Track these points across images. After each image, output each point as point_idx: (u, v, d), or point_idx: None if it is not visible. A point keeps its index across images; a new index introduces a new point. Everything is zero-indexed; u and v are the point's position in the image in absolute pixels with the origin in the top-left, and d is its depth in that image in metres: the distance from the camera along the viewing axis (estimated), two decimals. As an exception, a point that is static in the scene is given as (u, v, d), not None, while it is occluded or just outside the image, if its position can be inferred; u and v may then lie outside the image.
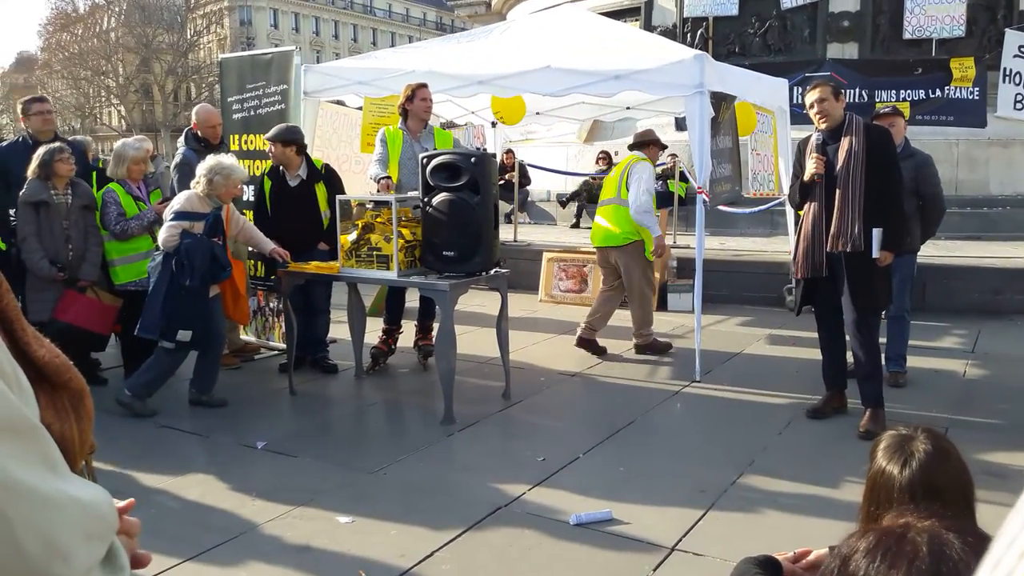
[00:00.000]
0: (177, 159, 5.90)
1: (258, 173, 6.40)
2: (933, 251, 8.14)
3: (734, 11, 11.65)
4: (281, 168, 5.74)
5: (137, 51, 42.77)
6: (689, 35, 11.96)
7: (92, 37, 42.79)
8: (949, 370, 5.73)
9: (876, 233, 4.33)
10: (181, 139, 6.13)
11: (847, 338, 4.61)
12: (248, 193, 6.39)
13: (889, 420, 4.29)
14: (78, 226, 5.26)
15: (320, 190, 5.76)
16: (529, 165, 12.24)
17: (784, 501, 3.60)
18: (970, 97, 10.37)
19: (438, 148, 5.53)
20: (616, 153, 12.41)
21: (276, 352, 6.27)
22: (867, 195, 4.31)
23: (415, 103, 5.55)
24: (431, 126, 5.84)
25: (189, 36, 45.31)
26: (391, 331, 6.00)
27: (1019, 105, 10.27)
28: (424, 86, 5.61)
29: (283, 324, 5.84)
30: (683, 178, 10.16)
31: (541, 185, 12.92)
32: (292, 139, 5.67)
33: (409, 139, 5.63)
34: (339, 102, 7.27)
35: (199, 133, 5.93)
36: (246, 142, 6.48)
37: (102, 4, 44.63)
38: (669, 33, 11.45)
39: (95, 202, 5.37)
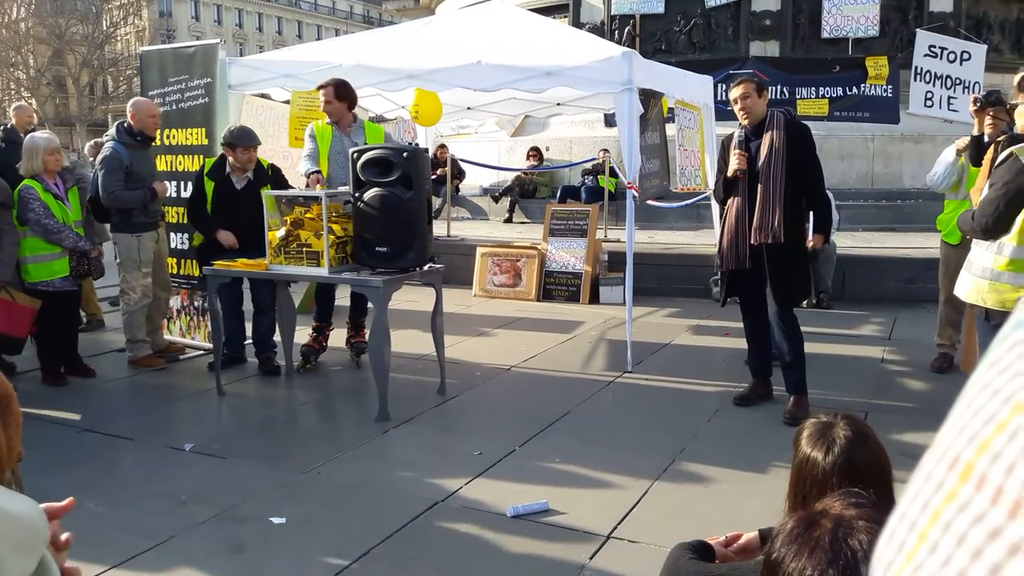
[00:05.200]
0: (104, 152, 5.64)
1: (180, 169, 6.24)
2: (851, 242, 8.46)
3: (660, 9, 11.85)
4: (228, 170, 5.56)
5: (49, 42, 40.95)
6: (617, 32, 12.11)
7: (0, 28, 40.77)
8: (868, 356, 5.96)
9: (811, 219, 4.57)
10: (111, 131, 5.83)
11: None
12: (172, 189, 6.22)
13: (812, 406, 4.45)
14: (-10, 224, 5.04)
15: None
16: (461, 160, 12.22)
17: (715, 486, 3.70)
18: (884, 94, 10.80)
19: (368, 142, 5.47)
20: (547, 148, 12.50)
21: (202, 352, 6.12)
22: (787, 189, 4.46)
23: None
24: (360, 119, 5.77)
25: (105, 27, 43.60)
26: (321, 328, 5.91)
27: (929, 103, 10.74)
28: (324, 86, 5.49)
29: (208, 323, 5.71)
30: (613, 173, 10.29)
31: (473, 180, 12.92)
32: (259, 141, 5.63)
33: (338, 133, 5.56)
34: (264, 95, 7.12)
35: (135, 126, 5.67)
36: (168, 136, 6.29)
37: (10, -8, 42.58)
38: (597, 30, 11.56)
39: (11, 199, 5.16)
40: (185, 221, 6.21)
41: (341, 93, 5.53)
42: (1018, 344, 0.31)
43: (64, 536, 1.00)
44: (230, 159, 5.52)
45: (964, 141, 5.14)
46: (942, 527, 0.29)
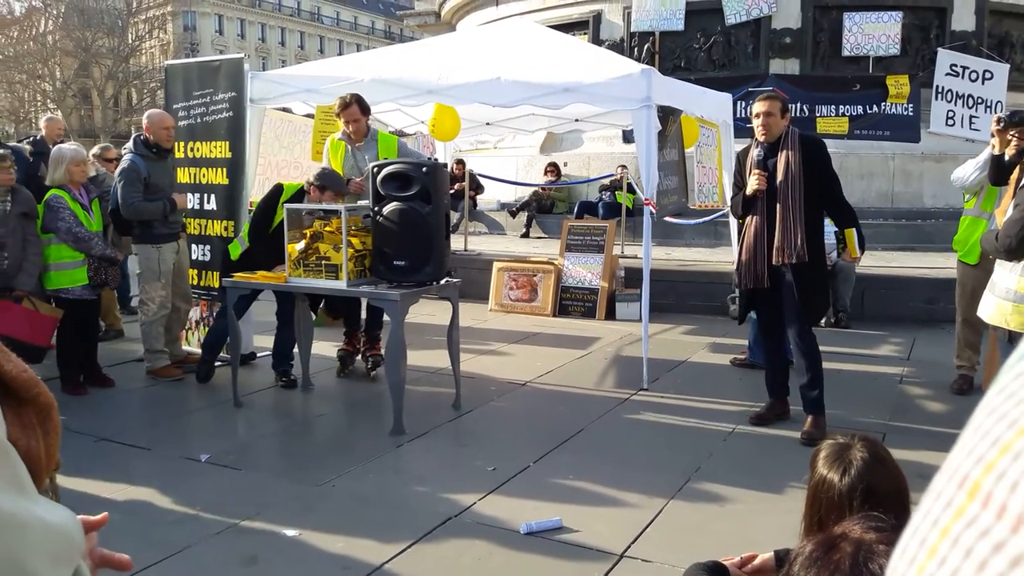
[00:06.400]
0: (123, 164, 5.73)
1: (204, 181, 6.30)
2: (871, 261, 8.39)
3: (680, 27, 11.88)
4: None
5: (75, 55, 41.61)
6: (636, 49, 12.14)
7: (28, 40, 41.46)
8: (886, 377, 5.91)
9: (854, 233, 4.55)
10: (129, 144, 5.93)
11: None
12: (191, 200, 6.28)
13: (830, 426, 4.41)
14: (15, 234, 5.11)
15: None
16: (479, 175, 12.28)
17: (730, 506, 3.66)
18: (905, 113, 10.75)
19: (381, 154, 5.52)
20: (565, 164, 12.54)
21: (220, 363, 6.15)
22: (807, 207, 4.44)
23: (341, 119, 5.62)
24: (374, 130, 5.82)
25: (130, 41, 44.24)
26: (352, 332, 6.01)
27: (950, 122, 10.68)
28: (349, 105, 5.54)
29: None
30: (631, 189, 10.29)
31: (491, 195, 12.98)
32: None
33: (350, 149, 5.64)
34: (286, 109, 7.20)
35: (151, 138, 5.75)
36: (192, 149, 6.36)
37: (39, 6, 43.35)
38: (617, 47, 11.60)
39: (36, 210, 5.25)
40: (207, 233, 6.28)
41: (365, 107, 5.62)
42: (1021, 374, 0.33)
43: (122, 557, 1.03)
44: (312, 196, 5.34)
45: (996, 142, 5.06)
46: (951, 542, 0.32)
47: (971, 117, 10.72)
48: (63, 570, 0.76)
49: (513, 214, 12.20)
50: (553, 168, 12.32)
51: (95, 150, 7.74)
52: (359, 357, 6.11)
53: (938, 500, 0.34)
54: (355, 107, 5.55)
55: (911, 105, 10.73)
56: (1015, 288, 3.86)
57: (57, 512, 0.77)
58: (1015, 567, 0.28)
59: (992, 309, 4.01)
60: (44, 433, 0.86)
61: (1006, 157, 4.70)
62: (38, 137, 7.71)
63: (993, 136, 5.00)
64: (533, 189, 12.21)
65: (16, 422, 0.82)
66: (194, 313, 6.40)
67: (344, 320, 6.09)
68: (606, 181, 11.38)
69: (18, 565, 0.68)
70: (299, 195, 5.47)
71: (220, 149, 6.24)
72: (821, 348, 4.70)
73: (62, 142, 6.64)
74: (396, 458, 4.34)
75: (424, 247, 4.72)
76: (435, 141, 8.92)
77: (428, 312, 6.92)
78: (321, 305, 6.24)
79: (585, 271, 8.35)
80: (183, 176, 6.32)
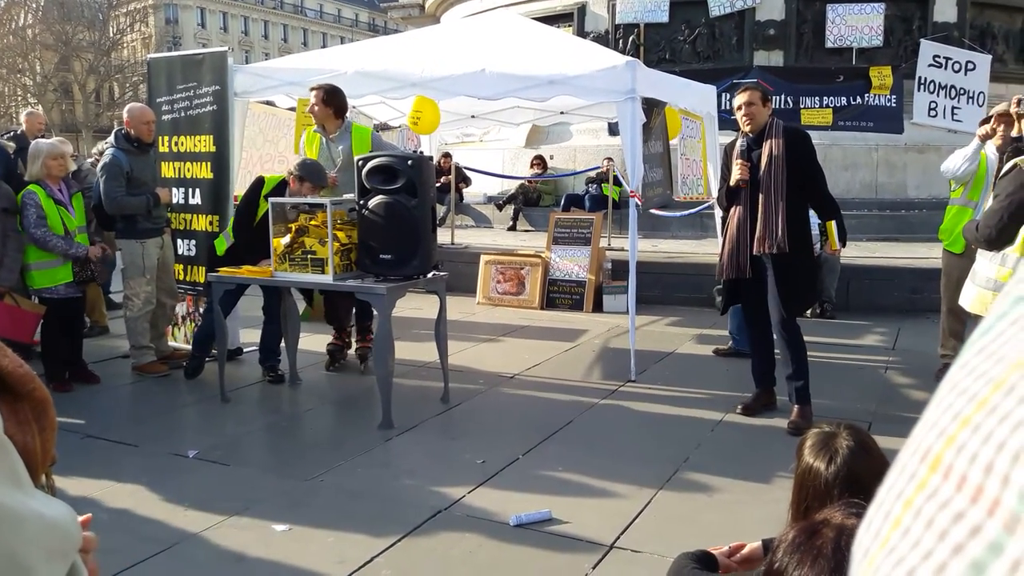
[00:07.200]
0: (105, 160, 5.68)
1: (189, 176, 6.25)
2: (855, 252, 8.45)
3: (665, 18, 11.88)
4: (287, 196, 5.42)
5: (56, 49, 41.16)
6: (621, 41, 12.14)
7: (7, 34, 40.96)
8: (871, 366, 5.96)
9: (834, 226, 4.54)
10: (110, 139, 5.86)
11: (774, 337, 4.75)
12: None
13: (816, 415, 4.45)
14: (-4, 229, 5.06)
15: None
16: (465, 168, 12.26)
17: (718, 496, 3.69)
18: (888, 104, 10.82)
19: (355, 146, 5.49)
20: (551, 157, 12.53)
21: (208, 359, 6.13)
22: (789, 197, 4.46)
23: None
24: (349, 122, 5.75)
25: (112, 34, 43.80)
26: (342, 327, 6.01)
27: (932, 113, 10.75)
28: (315, 89, 5.53)
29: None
30: (617, 182, 10.30)
31: (477, 188, 12.96)
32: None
33: (325, 141, 5.63)
34: (268, 103, 7.16)
35: (132, 132, 5.70)
36: (176, 144, 6.31)
37: (18, 0, 42.85)
38: (601, 39, 11.58)
39: (16, 205, 5.18)
40: (192, 228, 6.24)
41: (328, 99, 5.52)
42: (983, 349, 0.33)
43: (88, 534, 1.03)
44: (292, 188, 5.29)
45: (985, 130, 5.13)
46: (913, 513, 0.33)
47: (953, 108, 10.79)
48: (59, 565, 0.76)
49: (500, 207, 12.18)
50: (539, 161, 12.31)
51: (97, 148, 7.66)
52: (350, 351, 6.11)
53: (902, 474, 0.35)
54: (319, 92, 5.51)
55: (894, 96, 10.80)
56: (995, 277, 3.89)
57: (54, 507, 0.77)
58: (974, 536, 0.29)
59: (973, 298, 4.04)
60: (40, 429, 0.86)
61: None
62: (18, 132, 7.63)
63: (1014, 116, 5.04)
64: (520, 182, 12.19)
65: (12, 417, 0.82)
66: (180, 308, 6.36)
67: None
68: (592, 174, 11.38)
69: (14, 559, 0.68)
70: (280, 187, 5.43)
71: (204, 143, 6.19)
72: (807, 338, 4.73)
73: (43, 137, 6.58)
74: (385, 452, 4.34)
75: (410, 240, 4.71)
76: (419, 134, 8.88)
77: (415, 306, 6.92)
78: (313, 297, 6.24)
79: (572, 264, 8.36)
80: (167, 170, 6.26)
